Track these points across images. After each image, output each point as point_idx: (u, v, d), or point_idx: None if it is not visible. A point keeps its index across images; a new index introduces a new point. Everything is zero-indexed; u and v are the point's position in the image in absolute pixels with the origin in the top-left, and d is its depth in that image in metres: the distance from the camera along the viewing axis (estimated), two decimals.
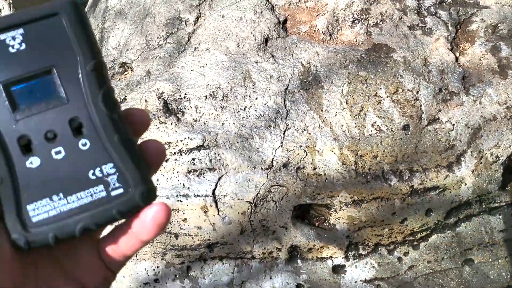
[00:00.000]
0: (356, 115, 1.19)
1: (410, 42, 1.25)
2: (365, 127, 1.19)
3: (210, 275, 1.23)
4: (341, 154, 1.18)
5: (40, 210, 0.33)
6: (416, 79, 1.21)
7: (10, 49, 0.33)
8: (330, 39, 1.28)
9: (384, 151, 1.18)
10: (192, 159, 1.21)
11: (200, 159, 1.21)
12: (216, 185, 1.21)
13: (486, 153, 1.14)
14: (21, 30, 0.33)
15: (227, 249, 1.23)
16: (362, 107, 1.19)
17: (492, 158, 1.14)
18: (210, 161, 1.21)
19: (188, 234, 1.21)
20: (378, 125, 1.19)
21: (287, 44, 1.27)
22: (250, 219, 1.21)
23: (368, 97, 1.20)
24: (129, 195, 0.34)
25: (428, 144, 1.15)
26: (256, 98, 1.22)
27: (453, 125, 1.15)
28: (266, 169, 1.20)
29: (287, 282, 1.23)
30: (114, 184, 0.34)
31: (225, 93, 1.23)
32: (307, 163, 1.19)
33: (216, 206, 1.20)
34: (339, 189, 1.19)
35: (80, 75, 0.34)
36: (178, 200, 1.20)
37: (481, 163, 1.14)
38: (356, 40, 1.27)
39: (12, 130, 0.33)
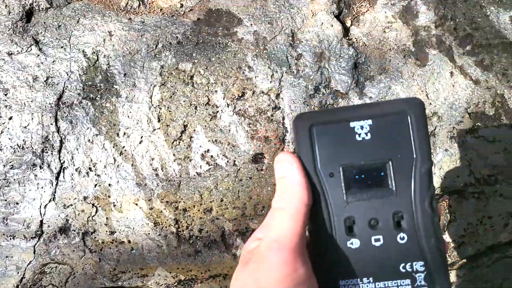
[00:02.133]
0: (175, 140, 0.74)
1: (269, 5, 0.77)
2: (190, 160, 0.74)
3: None
4: (151, 208, 0.74)
5: None
6: (277, 72, 0.74)
7: (357, 137, 0.39)
8: (139, 6, 0.79)
9: (223, 199, 0.74)
10: None
11: None
12: None
13: None
14: (369, 122, 0.39)
15: None
16: (186, 126, 0.74)
17: None
18: None
19: None
20: (212, 156, 0.74)
21: (63, 20, 0.78)
22: None
23: (196, 107, 0.74)
24: None
25: None
26: (10, 118, 0.75)
27: None
28: (32, 237, 0.76)
29: None
30: (420, 282, 0.39)
31: None
32: (100, 224, 0.75)
33: None
34: (153, 265, 0.76)
35: (413, 174, 0.39)
36: None
37: None
38: (182, 6, 0.79)
39: (342, 209, 0.39)
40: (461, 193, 0.76)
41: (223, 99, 0.75)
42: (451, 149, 0.73)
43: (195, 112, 0.75)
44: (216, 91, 0.75)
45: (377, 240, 0.39)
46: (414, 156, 0.39)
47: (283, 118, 0.75)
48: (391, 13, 0.76)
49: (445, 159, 0.74)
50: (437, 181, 0.75)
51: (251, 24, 0.76)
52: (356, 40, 0.76)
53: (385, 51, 0.75)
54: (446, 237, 0.79)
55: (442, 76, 0.73)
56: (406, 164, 0.39)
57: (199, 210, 0.75)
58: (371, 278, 0.39)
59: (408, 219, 0.39)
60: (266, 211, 0.74)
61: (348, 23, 0.77)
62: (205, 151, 0.75)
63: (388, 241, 0.39)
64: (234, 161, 0.75)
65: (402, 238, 0.39)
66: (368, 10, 0.77)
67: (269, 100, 0.75)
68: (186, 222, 0.75)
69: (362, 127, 0.39)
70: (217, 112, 0.75)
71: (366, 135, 0.39)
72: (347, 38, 0.76)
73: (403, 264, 0.39)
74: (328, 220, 0.40)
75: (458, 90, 0.73)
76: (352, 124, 0.40)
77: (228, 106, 0.75)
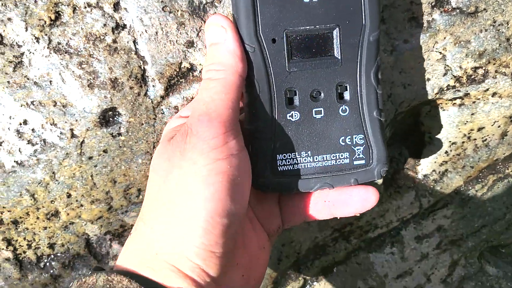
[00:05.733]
0: None
1: None
2: (0, 144, 0.47)
3: None
4: None
5: (287, 162, 0.39)
6: None
7: None
8: None
9: (70, 194, 0.49)
10: None
11: None
12: None
13: None
14: None
15: None
16: None
17: None
18: None
19: None
20: (34, 129, 0.47)
21: None
22: None
23: None
24: (369, 168, 0.40)
25: None
26: None
27: None
28: None
29: None
30: (358, 155, 0.40)
31: None
32: None
33: None
34: None
35: (361, 43, 0.37)
36: None
37: None
38: None
39: (283, 80, 0.38)
40: (435, 103, 0.52)
41: (26, 30, 0.46)
42: (413, 38, 0.48)
43: None
44: (10, 19, 0.45)
45: (318, 112, 0.39)
46: (363, 22, 0.38)
47: (135, 42, 0.47)
48: None
49: (405, 55, 0.49)
50: (398, 92, 0.50)
51: None
52: None
53: None
54: (422, 169, 0.57)
55: None
56: (354, 31, 0.38)
57: (38, 218, 0.49)
58: (309, 152, 0.39)
59: (352, 90, 0.39)
60: (144, 195, 0.49)
61: None
62: (20, 123, 0.47)
63: (329, 113, 0.39)
64: (72, 130, 0.48)
65: (344, 111, 0.39)
66: None
67: (104, 16, 0.46)
68: (25, 239, 0.49)
69: None
70: (22, 55, 0.46)
71: None
72: None
73: (342, 137, 0.39)
74: (268, 91, 0.38)
75: None
76: None
77: (38, 42, 0.46)
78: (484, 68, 0.49)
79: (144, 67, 0.47)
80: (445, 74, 0.49)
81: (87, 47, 0.46)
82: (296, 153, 0.39)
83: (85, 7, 0.46)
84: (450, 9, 0.47)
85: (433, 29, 0.48)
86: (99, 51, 0.46)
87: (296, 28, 0.37)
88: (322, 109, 0.39)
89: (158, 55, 0.47)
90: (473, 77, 0.50)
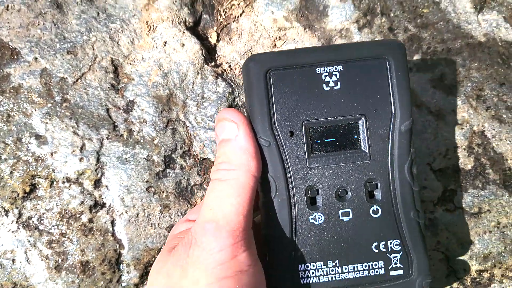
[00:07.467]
0: None
1: (70, 20, 0.46)
2: None
3: None
4: None
5: (310, 274, 0.34)
6: (91, 138, 0.43)
7: (324, 86, 0.34)
8: None
9: None
10: None
11: None
12: None
13: None
14: (340, 67, 0.34)
15: None
16: None
17: None
18: None
19: None
20: None
21: None
22: None
23: None
24: (408, 280, 0.34)
25: None
26: None
27: None
28: None
29: None
30: (395, 263, 0.34)
31: None
32: None
33: None
34: None
35: (391, 134, 0.34)
36: None
37: None
38: None
39: (303, 177, 0.34)
40: None
41: None
42: None
43: None
44: None
45: (345, 214, 0.34)
46: (393, 111, 0.34)
47: (113, 223, 0.43)
48: (282, 13, 0.47)
49: None
50: None
51: (36, 58, 0.44)
52: (229, 66, 0.46)
53: None
54: None
55: None
56: (383, 121, 0.34)
57: None
58: (337, 261, 0.34)
59: (384, 188, 0.34)
60: None
61: (213, 38, 0.47)
62: None
63: (358, 215, 0.34)
64: None
65: (376, 212, 0.35)
66: (244, 11, 0.47)
67: (83, 193, 0.43)
68: None
69: (330, 74, 0.34)
70: None
71: (336, 84, 0.34)
72: (213, 64, 0.46)
73: (376, 243, 0.34)
74: (286, 190, 0.34)
75: None
76: (318, 70, 0.34)
77: (7, 215, 0.42)
78: (489, 271, 0.46)
79: (120, 251, 0.43)
80: (448, 276, 0.46)
81: (59, 225, 0.43)
82: (321, 262, 0.34)
83: (64, 182, 0.43)
84: (453, 208, 0.45)
85: (435, 227, 0.45)
86: (72, 230, 0.43)
87: (316, 120, 0.34)
88: (350, 210, 0.34)
89: (137, 238, 0.43)
90: (478, 280, 0.46)
